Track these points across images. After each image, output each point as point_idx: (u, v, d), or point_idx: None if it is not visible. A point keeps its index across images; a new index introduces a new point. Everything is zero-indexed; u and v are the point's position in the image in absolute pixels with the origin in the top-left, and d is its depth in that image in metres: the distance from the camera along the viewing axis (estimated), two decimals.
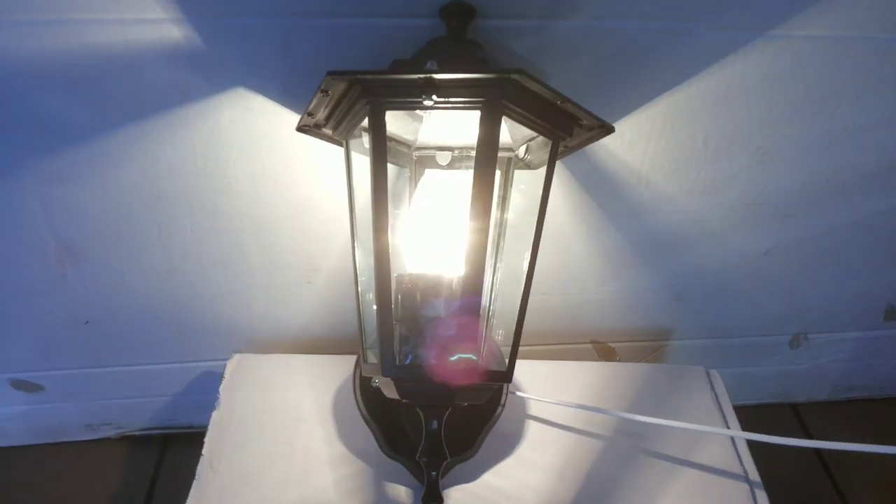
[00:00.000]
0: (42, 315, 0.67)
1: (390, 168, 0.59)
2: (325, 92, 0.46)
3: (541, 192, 0.49)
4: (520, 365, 0.69)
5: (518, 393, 0.65)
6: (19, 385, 0.73)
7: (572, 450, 0.63)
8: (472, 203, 0.44)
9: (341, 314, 0.72)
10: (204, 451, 0.62)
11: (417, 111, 0.54)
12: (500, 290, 0.55)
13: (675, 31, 0.56)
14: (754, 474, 0.62)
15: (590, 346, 0.79)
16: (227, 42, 0.53)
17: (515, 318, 0.49)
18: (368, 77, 0.43)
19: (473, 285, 0.44)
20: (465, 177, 0.51)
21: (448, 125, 0.55)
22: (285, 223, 0.64)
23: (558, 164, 0.63)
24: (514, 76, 0.42)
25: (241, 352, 0.71)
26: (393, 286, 0.47)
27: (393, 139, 0.55)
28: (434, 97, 0.43)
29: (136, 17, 0.50)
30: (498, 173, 0.56)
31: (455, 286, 0.47)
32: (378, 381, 0.48)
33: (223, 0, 0.50)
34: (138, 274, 0.66)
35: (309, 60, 0.54)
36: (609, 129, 0.50)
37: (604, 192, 0.65)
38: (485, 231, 0.44)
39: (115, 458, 0.78)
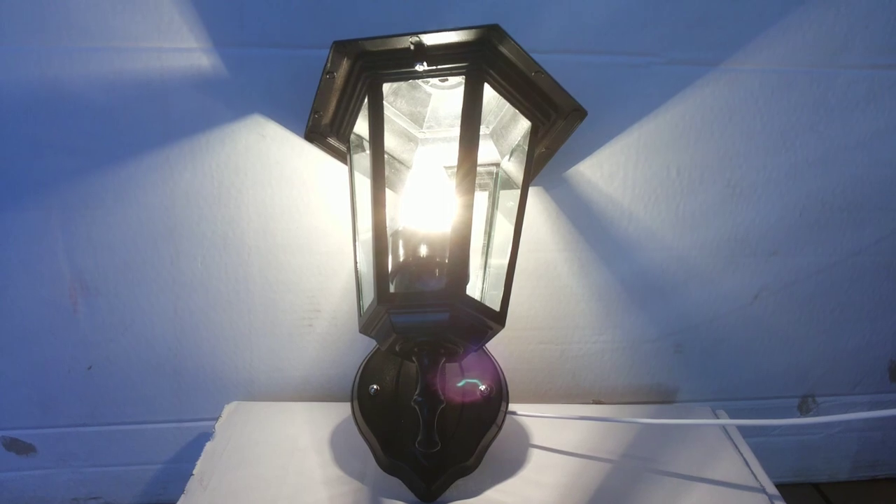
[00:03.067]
0: (47, 358, 0.68)
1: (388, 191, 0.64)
2: (330, 74, 0.53)
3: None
4: (523, 408, 0.69)
5: (519, 413, 0.63)
6: (11, 445, 0.71)
7: (578, 472, 0.61)
8: (459, 158, 0.49)
9: (341, 365, 0.72)
10: (194, 472, 0.60)
11: (413, 133, 0.61)
12: (488, 290, 0.58)
13: (636, 65, 0.64)
14: (772, 488, 0.59)
15: (593, 406, 0.78)
16: (249, 70, 0.61)
17: (506, 266, 0.51)
18: (368, 44, 0.50)
19: (463, 224, 0.47)
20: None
21: (441, 147, 0.61)
22: (291, 256, 0.67)
23: (545, 197, 0.68)
24: (493, 31, 0.49)
25: (240, 400, 0.70)
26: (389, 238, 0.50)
27: (391, 156, 0.61)
28: (425, 64, 0.50)
29: (172, 45, 0.59)
30: (485, 194, 0.62)
31: (445, 235, 0.50)
32: (374, 332, 0.49)
33: (248, 31, 0.59)
34: (147, 312, 0.68)
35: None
36: (583, 113, 0.56)
37: (591, 225, 0.69)
38: (471, 183, 0.48)
39: None
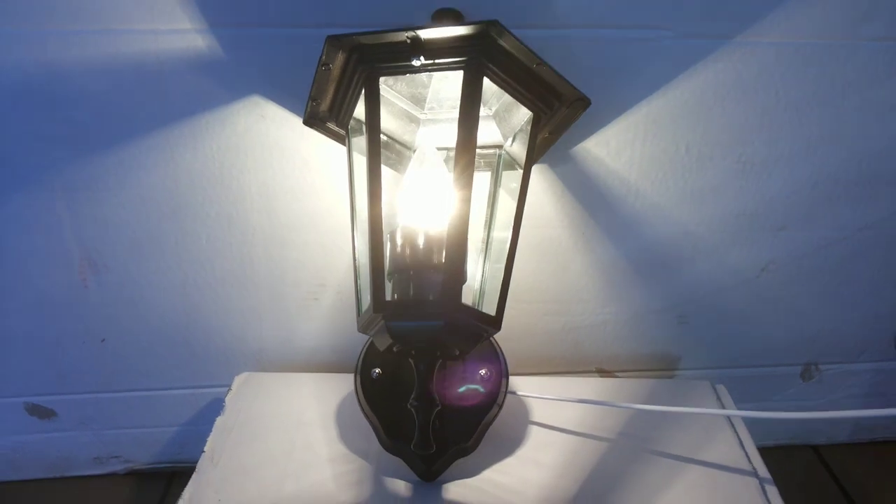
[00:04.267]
0: (61, 332, 0.70)
1: (389, 171, 0.64)
2: (326, 66, 0.51)
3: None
4: (526, 380, 0.70)
5: (519, 393, 0.65)
6: (33, 410, 0.74)
7: (575, 450, 0.62)
8: (456, 154, 0.48)
9: (347, 336, 0.73)
10: (205, 448, 0.62)
11: (415, 115, 0.60)
12: (489, 273, 0.58)
13: (646, 39, 0.62)
14: (764, 471, 0.60)
15: (595, 374, 0.79)
16: (246, 51, 0.59)
17: (503, 273, 0.51)
18: (363, 38, 0.49)
19: (459, 226, 0.47)
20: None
21: (443, 128, 0.60)
22: (295, 234, 0.68)
23: (550, 175, 0.67)
24: (491, 26, 0.47)
25: (250, 371, 0.72)
26: (386, 238, 0.50)
27: (392, 139, 0.60)
28: (422, 58, 0.49)
29: (167, 27, 0.58)
30: (488, 174, 0.61)
31: (442, 234, 0.50)
32: (372, 332, 0.50)
33: (244, 11, 0.58)
34: (156, 287, 0.69)
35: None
36: (586, 102, 0.54)
37: (596, 202, 0.69)
38: (469, 179, 0.48)
39: (122, 494, 0.77)
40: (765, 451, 0.63)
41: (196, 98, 0.61)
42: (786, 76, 0.64)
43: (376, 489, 0.58)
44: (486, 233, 0.60)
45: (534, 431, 0.65)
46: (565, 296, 0.73)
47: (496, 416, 0.62)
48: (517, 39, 0.48)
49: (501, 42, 0.48)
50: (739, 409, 0.70)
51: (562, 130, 0.60)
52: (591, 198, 0.68)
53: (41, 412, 0.74)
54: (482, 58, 0.49)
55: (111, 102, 0.60)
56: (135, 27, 0.58)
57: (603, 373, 0.79)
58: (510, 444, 0.63)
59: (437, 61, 0.49)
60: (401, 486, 0.59)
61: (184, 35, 0.58)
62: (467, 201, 0.47)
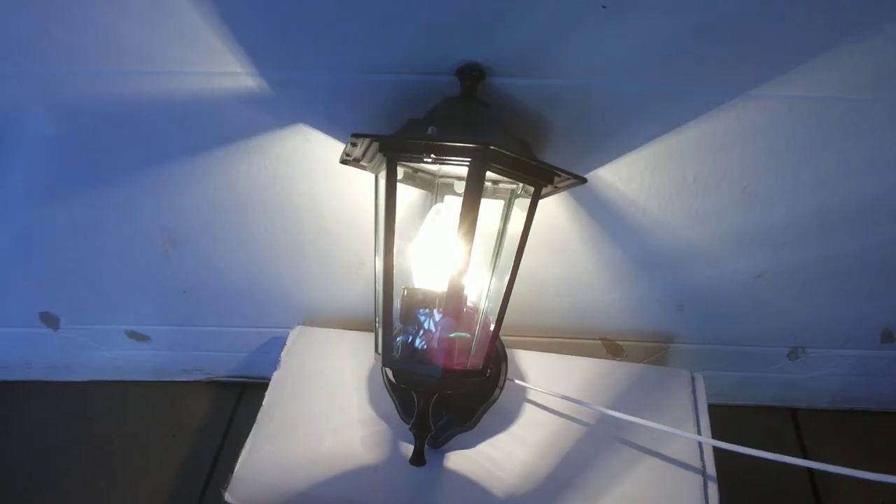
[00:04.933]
0: (150, 284, 0.86)
1: (417, 192, 0.73)
2: (353, 144, 0.59)
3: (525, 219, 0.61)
4: (528, 356, 0.82)
5: (516, 381, 0.77)
6: (132, 335, 0.92)
7: (558, 432, 0.75)
8: (457, 236, 0.57)
9: None
10: (264, 403, 0.78)
11: None
12: (494, 293, 0.68)
13: (661, 92, 0.65)
14: (711, 469, 0.72)
15: (599, 342, 0.90)
16: (289, 90, 0.67)
17: (493, 327, 0.62)
18: (383, 141, 0.56)
19: (454, 306, 0.57)
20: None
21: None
22: (338, 226, 0.78)
23: (564, 193, 0.74)
24: (491, 147, 0.54)
25: (302, 324, 0.87)
26: (397, 296, 0.61)
27: (420, 169, 0.68)
28: (433, 156, 0.56)
29: (220, 70, 0.65)
30: (502, 202, 0.69)
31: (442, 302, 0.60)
32: (383, 367, 0.62)
33: (285, 59, 0.64)
34: (224, 259, 0.82)
35: (353, 105, 0.67)
36: (582, 181, 0.61)
37: (606, 216, 0.76)
38: (466, 261, 0.57)
39: (203, 398, 0.97)
40: (744, 410, 0.71)
41: (248, 124, 0.70)
42: (797, 126, 0.67)
43: (392, 452, 0.74)
44: (496, 248, 0.69)
45: (527, 410, 0.78)
46: (572, 283, 0.83)
47: (497, 398, 0.75)
48: (514, 154, 0.54)
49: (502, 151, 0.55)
50: (729, 375, 0.80)
51: (563, 190, 0.66)
52: (601, 213, 0.75)
53: (138, 337, 0.92)
54: (486, 160, 0.55)
55: (175, 124, 0.70)
56: (192, 69, 0.65)
57: (606, 341, 0.90)
58: (506, 420, 0.77)
59: (444, 158, 0.56)
60: (410, 451, 0.74)
61: (235, 77, 0.66)
62: (460, 290, 0.57)
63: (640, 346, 0.90)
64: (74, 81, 0.66)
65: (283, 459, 0.73)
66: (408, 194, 0.73)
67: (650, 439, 0.74)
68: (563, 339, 0.90)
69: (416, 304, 0.61)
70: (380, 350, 0.62)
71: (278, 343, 0.89)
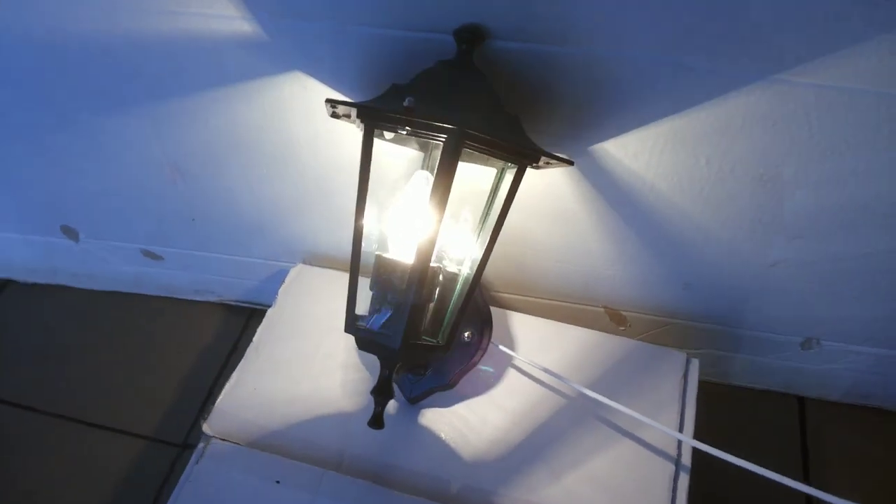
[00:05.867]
0: (161, 209, 0.87)
1: (411, 152, 0.70)
2: (334, 108, 0.57)
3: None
4: (522, 320, 0.81)
5: (500, 346, 0.77)
6: (147, 254, 0.95)
7: (537, 401, 0.75)
8: (426, 212, 0.55)
9: None
10: (254, 338, 0.80)
11: None
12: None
13: (674, 65, 0.60)
14: (687, 459, 0.71)
15: (601, 310, 0.88)
16: (285, 37, 0.65)
17: (461, 304, 0.61)
18: (359, 108, 0.54)
19: (419, 278, 0.56)
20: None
21: None
22: (335, 173, 0.77)
23: None
24: (465, 129, 0.51)
25: (305, 262, 0.88)
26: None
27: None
28: (408, 128, 0.54)
29: (214, 12, 0.64)
30: (494, 170, 0.66)
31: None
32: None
33: (277, 4, 0.62)
34: (230, 194, 0.83)
35: (351, 56, 0.65)
36: (568, 163, 0.57)
37: (612, 190, 0.72)
38: (433, 241, 0.56)
39: (213, 319, 1.00)
40: (750, 392, 0.69)
41: (245, 67, 0.68)
42: (823, 117, 0.61)
43: (370, 402, 0.74)
44: (483, 217, 0.67)
45: (509, 375, 0.77)
46: (576, 251, 0.80)
47: (478, 362, 0.75)
48: (487, 136, 0.52)
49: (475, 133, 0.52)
50: (737, 357, 0.79)
51: (553, 167, 0.63)
52: (606, 186, 0.72)
53: (153, 256, 0.95)
54: (459, 139, 0.53)
55: (176, 61, 0.69)
56: (189, 10, 0.64)
57: (609, 309, 0.88)
58: (487, 384, 0.77)
59: (420, 132, 0.54)
60: (389, 404, 0.75)
61: (230, 20, 0.64)
62: (427, 263, 0.55)
63: (645, 318, 0.87)
64: (72, 16, 0.66)
65: (264, 397, 0.75)
66: (407, 152, 0.71)
67: (628, 421, 0.73)
68: (566, 302, 0.88)
69: (385, 273, 0.60)
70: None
71: (283, 276, 0.91)
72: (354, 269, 0.59)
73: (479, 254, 0.61)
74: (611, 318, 0.89)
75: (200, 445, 0.71)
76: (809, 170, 0.66)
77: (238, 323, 1.00)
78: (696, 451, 0.70)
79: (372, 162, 0.63)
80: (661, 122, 0.65)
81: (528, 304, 0.89)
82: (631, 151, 0.68)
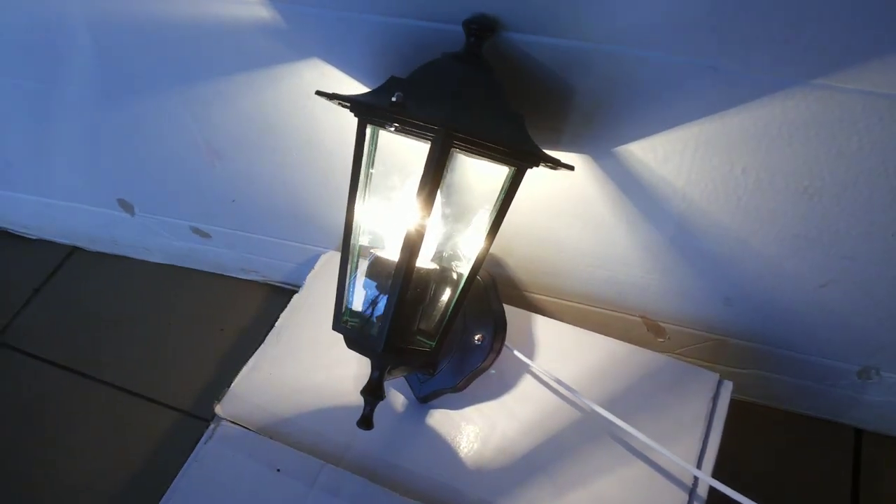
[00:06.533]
0: (204, 189, 0.89)
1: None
2: (330, 99, 0.56)
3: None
4: (547, 325, 0.78)
5: (515, 352, 0.73)
6: (196, 231, 0.98)
7: (550, 412, 0.72)
8: (411, 214, 0.53)
9: None
10: (277, 323, 0.81)
11: None
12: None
13: (702, 67, 0.55)
14: (704, 490, 0.66)
15: (639, 319, 0.83)
16: (302, 24, 0.64)
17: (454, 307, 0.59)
18: (351, 102, 0.53)
19: (403, 278, 0.54)
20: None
21: None
22: None
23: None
24: (448, 128, 0.48)
25: (338, 249, 0.88)
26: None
27: None
28: (396, 125, 0.52)
29: None
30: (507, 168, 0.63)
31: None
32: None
33: None
34: (265, 177, 0.84)
35: (364, 44, 0.63)
36: (569, 168, 0.53)
37: (640, 195, 0.67)
38: (417, 237, 0.53)
39: (257, 298, 1.02)
40: (802, 418, 0.63)
41: (266, 52, 0.68)
42: (873, 128, 0.54)
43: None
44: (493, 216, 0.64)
45: (524, 381, 0.74)
46: (608, 257, 0.76)
47: (488, 367, 0.72)
48: (478, 138, 0.49)
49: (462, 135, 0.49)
50: (785, 380, 0.74)
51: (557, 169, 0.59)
52: (634, 191, 0.67)
53: (201, 233, 0.98)
54: (446, 139, 0.50)
55: (199, 46, 0.70)
56: None
57: (647, 320, 0.82)
58: (500, 388, 0.74)
59: (408, 129, 0.52)
60: (399, 400, 0.74)
61: (249, 6, 0.64)
62: (411, 258, 0.53)
63: (685, 332, 0.82)
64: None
65: (278, 383, 0.76)
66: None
67: (643, 442, 0.69)
68: (601, 309, 0.83)
69: (378, 273, 0.59)
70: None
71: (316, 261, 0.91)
72: (344, 264, 0.58)
73: (474, 255, 0.58)
74: (648, 329, 0.84)
75: (211, 427, 0.73)
76: (859, 185, 0.59)
77: (280, 304, 1.00)
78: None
79: (383, 154, 0.62)
80: (692, 124, 0.59)
81: (561, 307, 0.85)
82: (660, 155, 0.63)
